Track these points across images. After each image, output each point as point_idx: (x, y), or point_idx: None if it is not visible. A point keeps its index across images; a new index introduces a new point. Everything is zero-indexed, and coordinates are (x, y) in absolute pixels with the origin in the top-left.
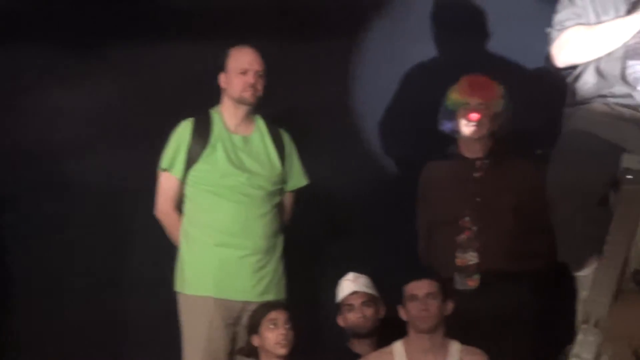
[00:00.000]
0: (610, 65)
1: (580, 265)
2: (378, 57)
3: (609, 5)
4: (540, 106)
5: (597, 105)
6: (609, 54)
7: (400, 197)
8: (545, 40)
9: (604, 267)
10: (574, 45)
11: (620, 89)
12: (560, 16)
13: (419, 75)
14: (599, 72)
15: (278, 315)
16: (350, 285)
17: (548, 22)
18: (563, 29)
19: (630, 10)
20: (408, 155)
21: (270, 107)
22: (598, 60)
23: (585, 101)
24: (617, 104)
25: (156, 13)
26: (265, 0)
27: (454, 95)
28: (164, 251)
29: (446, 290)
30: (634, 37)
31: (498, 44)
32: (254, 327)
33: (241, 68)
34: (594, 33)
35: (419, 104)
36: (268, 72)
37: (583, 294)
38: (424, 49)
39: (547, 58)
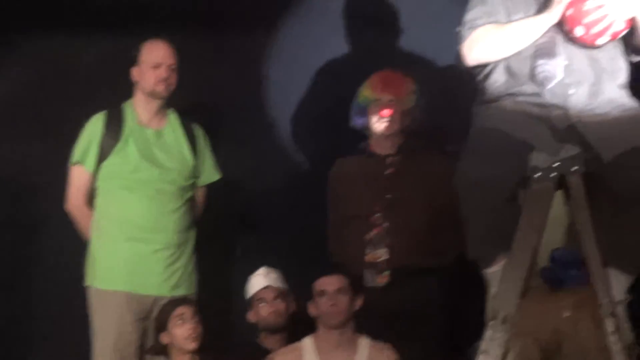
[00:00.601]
0: (520, 64)
1: (489, 262)
2: (291, 52)
3: (520, 4)
4: (451, 103)
5: (507, 103)
6: (519, 53)
7: (312, 193)
8: (453, 40)
9: (512, 264)
10: (484, 44)
11: (529, 87)
12: (470, 15)
13: (331, 71)
14: (509, 71)
15: (185, 310)
16: (262, 279)
17: (460, 20)
18: (473, 27)
19: (539, 10)
20: (320, 151)
21: (184, 101)
22: (508, 58)
23: (495, 99)
24: (526, 102)
25: (69, 4)
26: None
27: (366, 92)
28: (74, 245)
29: (356, 286)
30: (543, 36)
31: (410, 40)
32: (161, 325)
33: (154, 62)
34: (504, 32)
35: (331, 100)
36: (181, 66)
37: (492, 290)
38: (336, 45)
39: (458, 57)
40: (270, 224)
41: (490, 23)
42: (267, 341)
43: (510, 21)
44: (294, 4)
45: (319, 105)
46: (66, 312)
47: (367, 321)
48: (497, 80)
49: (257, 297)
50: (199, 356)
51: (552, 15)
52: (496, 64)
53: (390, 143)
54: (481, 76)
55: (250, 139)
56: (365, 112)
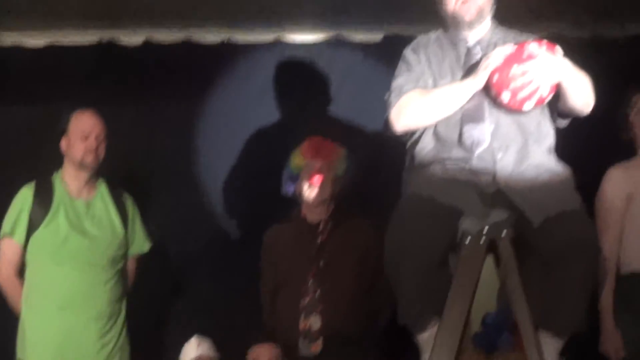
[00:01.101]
0: (448, 129)
1: (421, 328)
2: (222, 119)
3: (446, 70)
4: (382, 169)
5: (436, 169)
6: (447, 118)
7: (244, 259)
8: (382, 108)
9: (445, 329)
10: (412, 110)
11: (457, 153)
12: (398, 81)
13: (262, 138)
14: (437, 136)
15: None
16: (193, 349)
17: (389, 87)
18: (401, 94)
19: (466, 75)
20: (252, 218)
21: (113, 171)
22: (436, 124)
23: (424, 165)
24: (455, 167)
25: None
26: (107, 62)
27: (296, 158)
28: (5, 318)
29: (289, 354)
30: (470, 101)
31: (341, 107)
32: None
33: (82, 132)
34: (431, 97)
35: (263, 167)
36: (110, 136)
37: (424, 356)
38: (268, 111)
39: (386, 123)
40: (202, 292)
41: (417, 88)
42: None
43: (437, 86)
44: (224, 73)
45: (250, 172)
46: None
47: None
48: (426, 146)
49: None
50: None
51: (477, 81)
52: (425, 129)
53: (321, 210)
54: (410, 142)
55: (181, 206)
56: (296, 178)
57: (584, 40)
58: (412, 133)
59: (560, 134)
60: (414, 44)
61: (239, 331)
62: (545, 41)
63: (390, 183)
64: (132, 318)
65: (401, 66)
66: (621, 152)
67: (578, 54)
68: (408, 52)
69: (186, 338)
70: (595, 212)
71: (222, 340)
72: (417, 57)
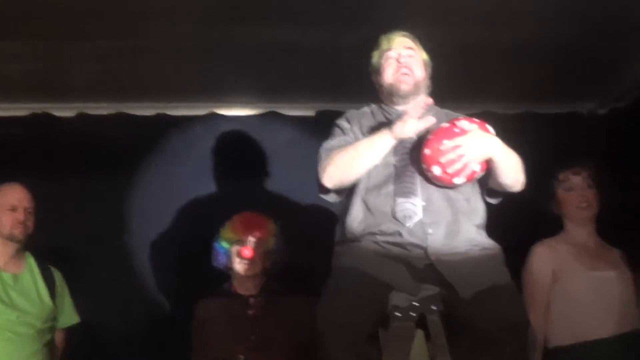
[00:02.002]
0: (379, 201)
1: None
2: (156, 192)
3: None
4: (316, 243)
5: (367, 242)
6: (379, 191)
7: (176, 333)
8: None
9: None
10: (337, 163)
11: (389, 226)
12: (330, 142)
13: (196, 210)
14: (368, 208)
15: None
16: None
17: None
18: (331, 151)
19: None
20: (183, 292)
21: (41, 244)
22: (367, 196)
23: (355, 238)
24: (385, 241)
25: None
26: (32, 134)
27: (228, 232)
28: None
29: None
30: (402, 177)
31: (275, 181)
32: None
33: (10, 204)
34: (353, 149)
35: (196, 239)
36: (38, 208)
37: None
38: (202, 184)
39: (318, 183)
40: None
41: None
42: None
43: None
44: (158, 145)
45: (183, 244)
46: None
47: None
48: (356, 217)
49: None
50: None
51: (394, 132)
52: (355, 201)
53: (253, 284)
54: (342, 214)
55: (110, 281)
56: (227, 252)
57: (514, 117)
58: (345, 206)
59: (489, 209)
60: (347, 114)
61: None
62: (476, 119)
63: (324, 257)
64: None
65: (334, 131)
66: (548, 228)
67: (508, 130)
68: (341, 120)
69: None
70: (523, 287)
71: None
72: (350, 126)
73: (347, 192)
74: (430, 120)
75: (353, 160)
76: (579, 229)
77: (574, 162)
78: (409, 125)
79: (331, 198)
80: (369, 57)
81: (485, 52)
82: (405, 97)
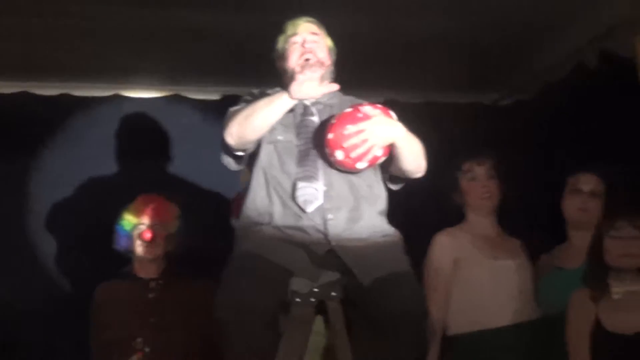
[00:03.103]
0: (280, 187)
1: None
2: (59, 173)
3: (280, 124)
4: (216, 227)
5: (267, 227)
6: (281, 175)
7: (77, 315)
8: (220, 165)
9: None
10: (237, 119)
11: (289, 211)
12: (236, 107)
13: (99, 192)
14: (269, 192)
15: None
16: None
17: None
18: (235, 112)
19: (299, 134)
20: (84, 274)
21: None
22: (269, 179)
23: (257, 223)
24: (286, 226)
25: None
26: None
27: (130, 215)
28: None
29: None
30: (304, 161)
31: (179, 164)
32: None
33: None
34: (251, 107)
35: (98, 221)
36: None
37: None
38: (105, 167)
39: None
40: (32, 349)
41: None
42: None
43: (271, 137)
44: (62, 126)
45: (86, 226)
46: None
47: None
48: (257, 201)
49: None
50: None
51: (291, 92)
52: (257, 187)
53: (154, 267)
54: (245, 199)
55: (11, 263)
56: (128, 235)
57: (417, 106)
58: (248, 190)
59: (391, 197)
60: (250, 93)
61: None
62: (379, 105)
63: (225, 241)
64: None
65: (241, 100)
66: (450, 217)
67: (411, 119)
68: (246, 96)
69: None
70: (423, 276)
71: None
72: (255, 97)
73: (250, 174)
74: (331, 87)
75: (251, 116)
76: (481, 218)
77: (477, 153)
78: (307, 86)
79: (231, 165)
80: (274, 42)
81: (390, 41)
82: None
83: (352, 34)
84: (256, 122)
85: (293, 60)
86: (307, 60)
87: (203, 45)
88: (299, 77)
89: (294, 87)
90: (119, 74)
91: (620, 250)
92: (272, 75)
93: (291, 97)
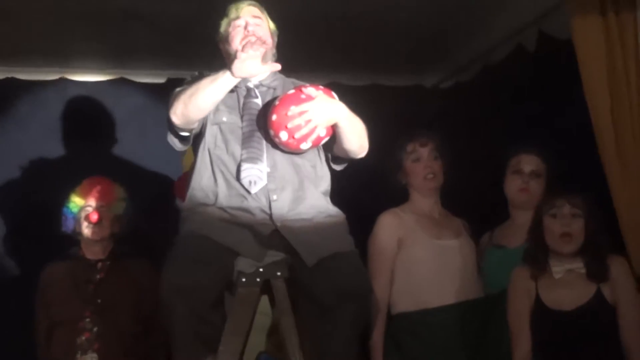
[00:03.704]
0: (225, 168)
1: None
2: (3, 156)
3: (223, 106)
4: (161, 209)
5: (213, 208)
6: (225, 156)
7: (21, 297)
8: (168, 147)
9: None
10: (181, 98)
11: (234, 192)
12: (180, 87)
13: (44, 175)
14: (214, 174)
15: None
16: None
17: None
18: (179, 92)
19: (243, 115)
20: (29, 256)
21: None
22: (214, 160)
23: (202, 204)
24: (231, 207)
25: None
26: None
27: (76, 197)
28: None
29: None
30: (249, 141)
31: (124, 147)
32: None
33: None
34: (195, 86)
35: (44, 204)
36: None
37: None
38: (51, 149)
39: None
40: None
41: None
42: None
43: (214, 119)
44: (6, 110)
45: (31, 209)
46: None
47: None
48: (205, 184)
49: None
50: None
51: (233, 70)
52: (203, 168)
53: (100, 248)
54: (191, 180)
55: None
56: (75, 217)
57: (360, 89)
58: (193, 171)
59: (335, 178)
60: (197, 76)
61: None
62: (322, 87)
63: (170, 223)
64: None
65: (184, 84)
66: (394, 197)
67: (354, 100)
68: (190, 77)
69: None
70: (368, 255)
71: None
72: (199, 76)
73: (194, 156)
74: (273, 66)
75: (195, 95)
76: (425, 199)
77: (420, 134)
78: (249, 64)
79: (177, 145)
80: (217, 25)
81: (332, 23)
82: None
83: (294, 17)
84: (200, 100)
85: (236, 43)
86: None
87: (147, 29)
88: (241, 55)
89: (236, 64)
90: (64, 57)
91: (559, 228)
92: (218, 58)
93: (234, 75)
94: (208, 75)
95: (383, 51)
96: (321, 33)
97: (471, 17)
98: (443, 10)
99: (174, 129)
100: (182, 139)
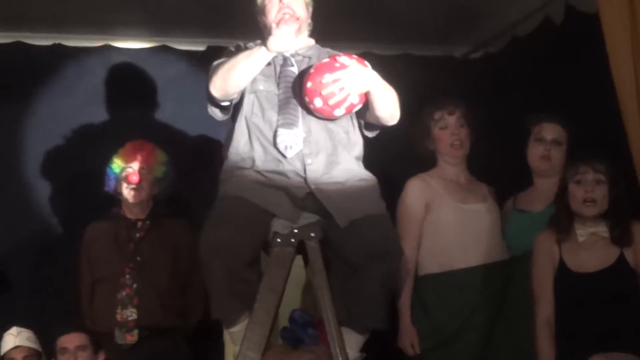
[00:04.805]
0: (262, 134)
1: (232, 323)
2: (50, 120)
3: (261, 76)
4: (200, 173)
5: (250, 172)
6: (262, 122)
7: (65, 254)
8: (207, 113)
9: (254, 324)
10: (219, 72)
11: (270, 156)
12: (219, 60)
13: (89, 138)
14: (251, 139)
15: None
16: (12, 339)
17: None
18: (218, 65)
19: (279, 85)
20: (75, 214)
21: None
22: (251, 126)
23: (238, 167)
24: (268, 170)
25: None
26: None
27: (118, 159)
28: None
29: (97, 343)
30: (285, 108)
31: (165, 112)
32: None
33: None
34: (232, 60)
35: (88, 166)
36: None
37: (235, 349)
38: (95, 114)
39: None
40: (23, 284)
41: None
42: None
43: (252, 88)
44: (53, 75)
45: (76, 171)
46: None
47: None
48: (242, 149)
49: (8, 357)
50: None
51: (269, 45)
52: (240, 134)
53: (140, 209)
54: (227, 144)
55: (7, 204)
56: (117, 177)
57: (392, 58)
58: (232, 137)
59: (367, 144)
60: (234, 46)
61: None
62: (355, 56)
63: (210, 187)
64: None
65: (224, 53)
66: (423, 163)
67: (386, 70)
68: (229, 50)
69: (6, 329)
70: (397, 218)
71: (42, 330)
72: (236, 50)
73: (233, 121)
74: (307, 41)
75: (232, 69)
76: (451, 165)
77: (448, 102)
78: (283, 40)
79: (217, 115)
80: None
81: None
82: None
83: None
84: (237, 74)
85: (271, 16)
86: (284, 14)
87: None
88: (276, 32)
89: (271, 40)
90: (109, 25)
91: (583, 194)
92: (256, 27)
93: (269, 51)
94: (246, 48)
95: (415, 23)
96: (355, 5)
97: None
98: None
99: (214, 101)
100: (223, 109)
